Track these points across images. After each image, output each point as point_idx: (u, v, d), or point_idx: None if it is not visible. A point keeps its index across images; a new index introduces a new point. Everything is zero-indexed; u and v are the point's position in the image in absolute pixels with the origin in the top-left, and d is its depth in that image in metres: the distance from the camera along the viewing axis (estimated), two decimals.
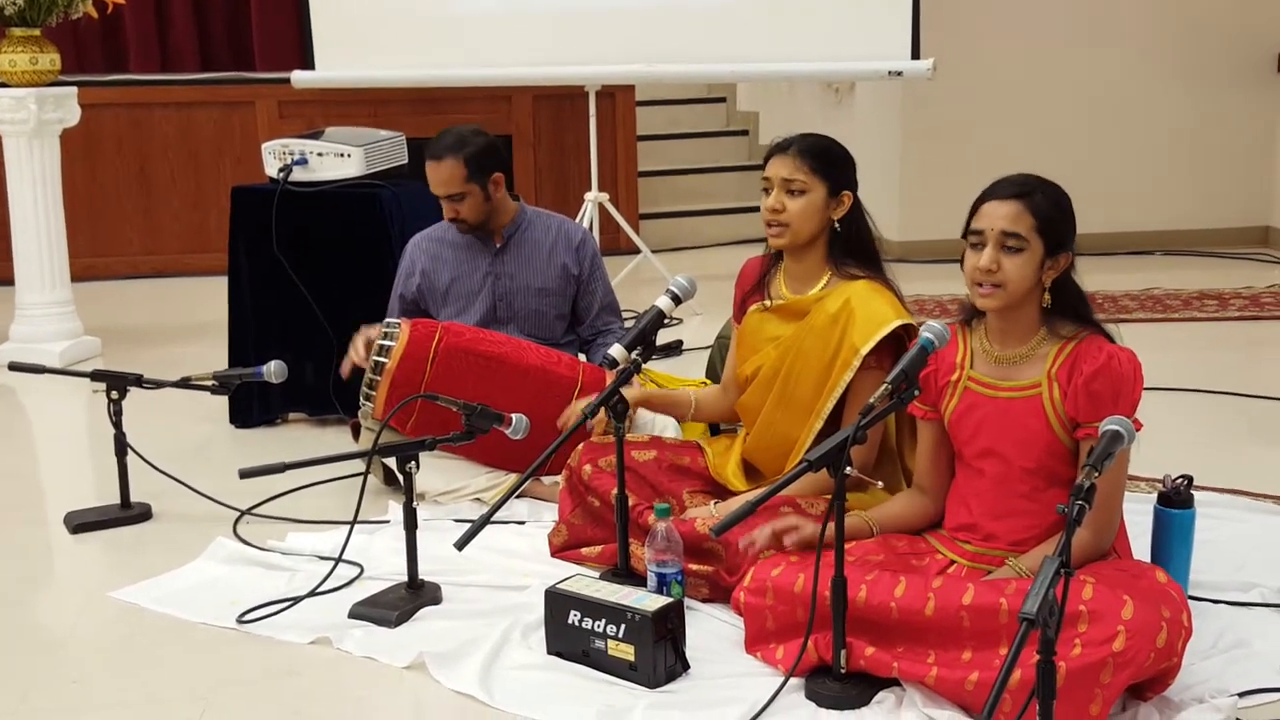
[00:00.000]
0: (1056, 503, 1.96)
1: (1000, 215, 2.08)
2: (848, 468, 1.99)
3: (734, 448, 2.71)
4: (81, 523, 2.98)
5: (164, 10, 6.91)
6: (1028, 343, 2.16)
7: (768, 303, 2.63)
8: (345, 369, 3.06)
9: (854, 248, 2.56)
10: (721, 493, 2.64)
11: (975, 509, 2.20)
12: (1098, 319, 2.14)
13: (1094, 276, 2.21)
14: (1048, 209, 2.09)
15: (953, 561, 2.22)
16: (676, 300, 2.64)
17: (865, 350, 2.42)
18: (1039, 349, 2.15)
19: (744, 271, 2.73)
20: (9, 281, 4.76)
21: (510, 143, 6.31)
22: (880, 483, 2.24)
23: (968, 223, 2.13)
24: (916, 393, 2.10)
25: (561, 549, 2.71)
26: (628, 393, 2.58)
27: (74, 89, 4.66)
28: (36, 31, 4.46)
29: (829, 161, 2.52)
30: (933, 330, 2.12)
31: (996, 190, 2.12)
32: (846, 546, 2.06)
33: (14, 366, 3.11)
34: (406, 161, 3.99)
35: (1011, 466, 2.15)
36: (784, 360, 2.55)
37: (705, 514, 2.50)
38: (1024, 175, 2.14)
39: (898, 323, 2.44)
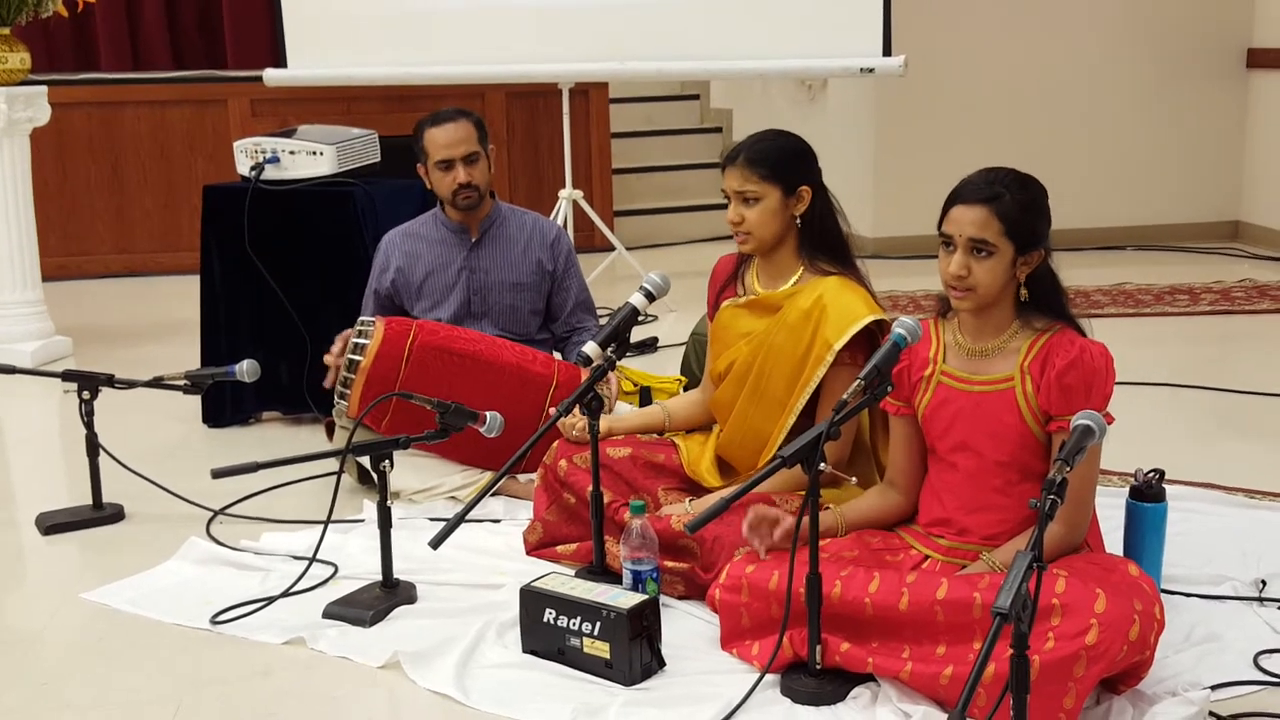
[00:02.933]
0: (1029, 497, 1.97)
1: (967, 221, 2.08)
2: (822, 464, 1.99)
3: (708, 444, 2.71)
4: (53, 524, 2.95)
5: (135, 8, 6.86)
6: (1000, 336, 2.17)
7: (740, 298, 2.63)
8: (329, 380, 3.05)
9: (823, 240, 2.56)
10: (696, 490, 2.64)
11: (949, 504, 2.21)
12: (1071, 312, 2.15)
13: (1066, 272, 2.22)
14: (1015, 211, 2.08)
15: (927, 557, 2.23)
16: (650, 297, 2.64)
17: (838, 346, 2.43)
18: (1011, 342, 2.16)
19: (717, 268, 2.73)
20: None
21: None
22: (854, 479, 2.25)
23: (940, 222, 2.14)
24: (890, 388, 2.10)
25: (537, 547, 2.71)
26: (603, 420, 2.57)
27: (44, 88, 4.61)
28: (6, 30, 4.41)
29: (778, 163, 2.51)
30: (905, 326, 2.12)
31: (964, 193, 2.11)
32: (821, 543, 2.07)
33: None
34: (379, 160, 3.97)
35: (985, 460, 2.16)
36: (757, 355, 2.55)
37: (680, 511, 2.50)
38: (994, 173, 2.12)
39: (870, 318, 2.44)
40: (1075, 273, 2.25)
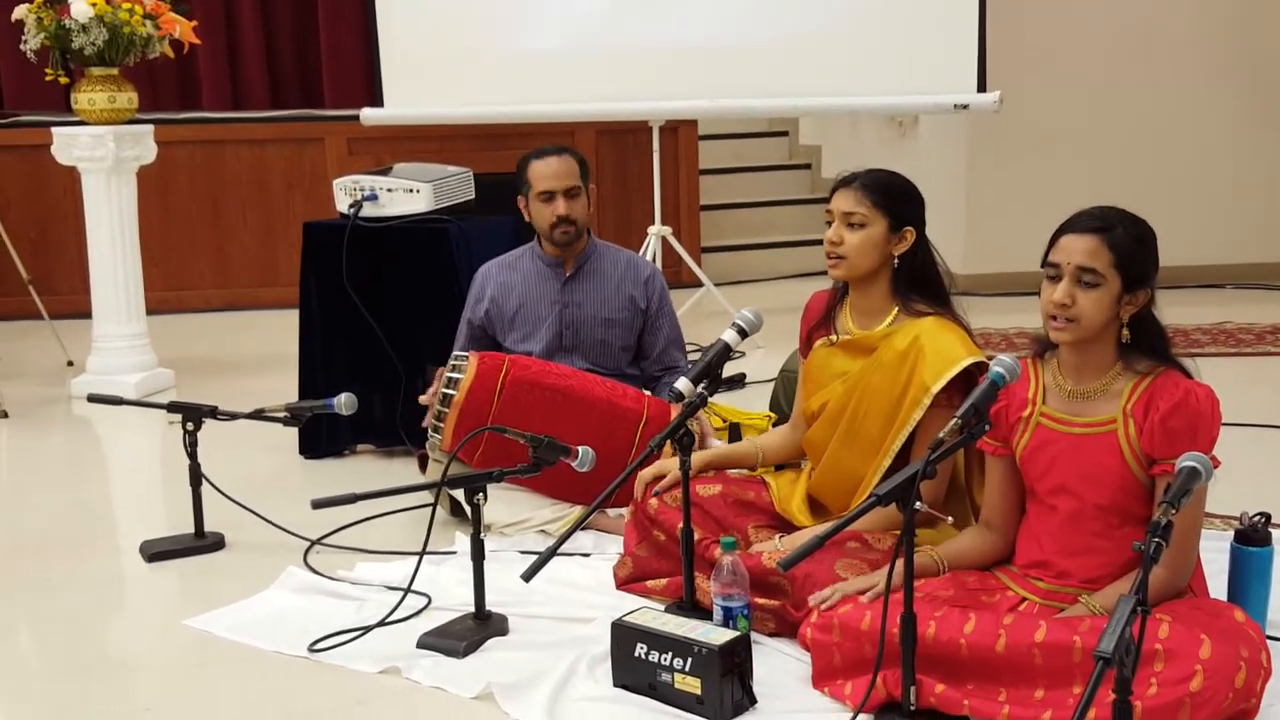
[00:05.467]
0: (1130, 540, 1.93)
1: (1077, 249, 2.06)
2: (917, 503, 1.97)
3: (799, 483, 2.70)
4: (157, 551, 3.04)
5: (235, 49, 7.09)
6: (1102, 378, 2.13)
7: (834, 338, 2.63)
8: (427, 419, 3.09)
9: (920, 283, 2.55)
10: (786, 527, 2.63)
11: (1048, 546, 2.17)
12: (1175, 355, 2.11)
13: (1164, 310, 2.18)
14: (1127, 244, 2.06)
15: (1024, 599, 2.19)
16: (742, 334, 2.64)
17: (936, 388, 2.41)
18: (1114, 384, 2.13)
19: (810, 306, 2.73)
20: (86, 314, 4.87)
21: None
22: (950, 518, 2.22)
23: (1046, 254, 2.12)
24: (987, 428, 2.08)
25: (627, 581, 2.71)
26: (696, 457, 2.59)
27: (150, 127, 4.78)
28: (114, 71, 4.58)
29: (892, 196, 2.52)
30: (1003, 365, 2.10)
31: (1076, 223, 2.10)
32: (915, 583, 2.04)
33: (93, 398, 3.19)
34: (474, 197, 4.05)
35: (1085, 503, 2.12)
36: (851, 396, 2.54)
37: (771, 548, 2.49)
38: (1106, 208, 2.11)
39: (969, 360, 2.42)
40: (1174, 310, 2.20)
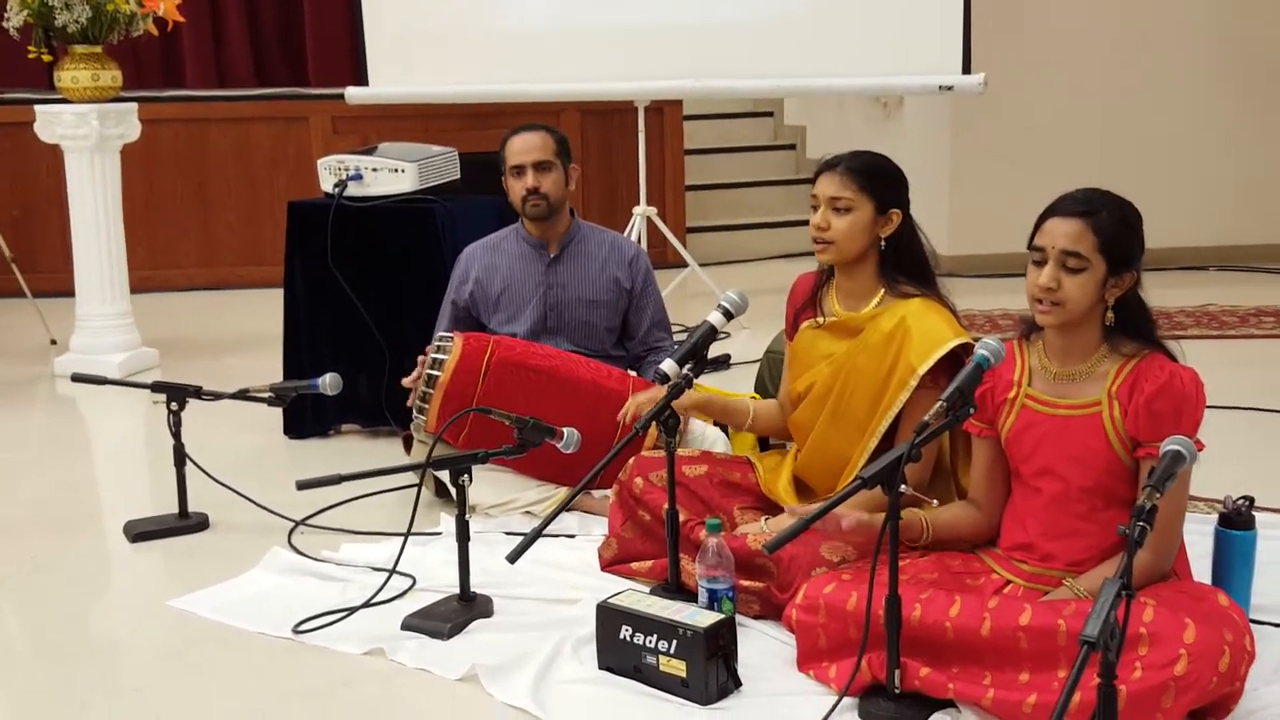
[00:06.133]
0: (1115, 523, 1.94)
1: (1062, 233, 2.06)
2: (902, 485, 1.98)
3: (785, 464, 2.71)
4: (141, 532, 3.02)
5: (220, 27, 7.03)
6: (1088, 360, 2.14)
7: (820, 319, 2.62)
8: (411, 400, 3.08)
9: (906, 265, 2.55)
10: (772, 509, 2.63)
11: (1032, 528, 2.18)
12: (1161, 338, 2.12)
13: (1148, 292, 2.18)
14: (1112, 228, 2.06)
15: (1009, 581, 2.20)
16: (728, 315, 2.64)
17: (922, 370, 2.41)
18: (1099, 366, 2.13)
19: (796, 287, 2.73)
20: (70, 293, 4.84)
21: None
22: (935, 501, 2.23)
23: (1031, 237, 2.12)
24: (972, 410, 2.08)
25: (612, 563, 2.71)
26: (689, 393, 2.58)
27: (134, 105, 4.73)
28: (98, 49, 4.53)
29: (877, 179, 2.52)
30: (988, 347, 2.10)
31: (1061, 206, 2.10)
32: (900, 563, 2.05)
33: (77, 378, 3.17)
34: (459, 177, 4.02)
35: (1070, 485, 2.13)
36: (837, 378, 2.54)
37: (756, 530, 2.50)
38: (1091, 191, 2.11)
39: (956, 342, 2.42)
40: (1157, 293, 2.20)
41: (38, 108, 4.63)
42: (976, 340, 2.18)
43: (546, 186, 3.27)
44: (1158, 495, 1.71)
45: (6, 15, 4.41)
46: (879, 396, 2.48)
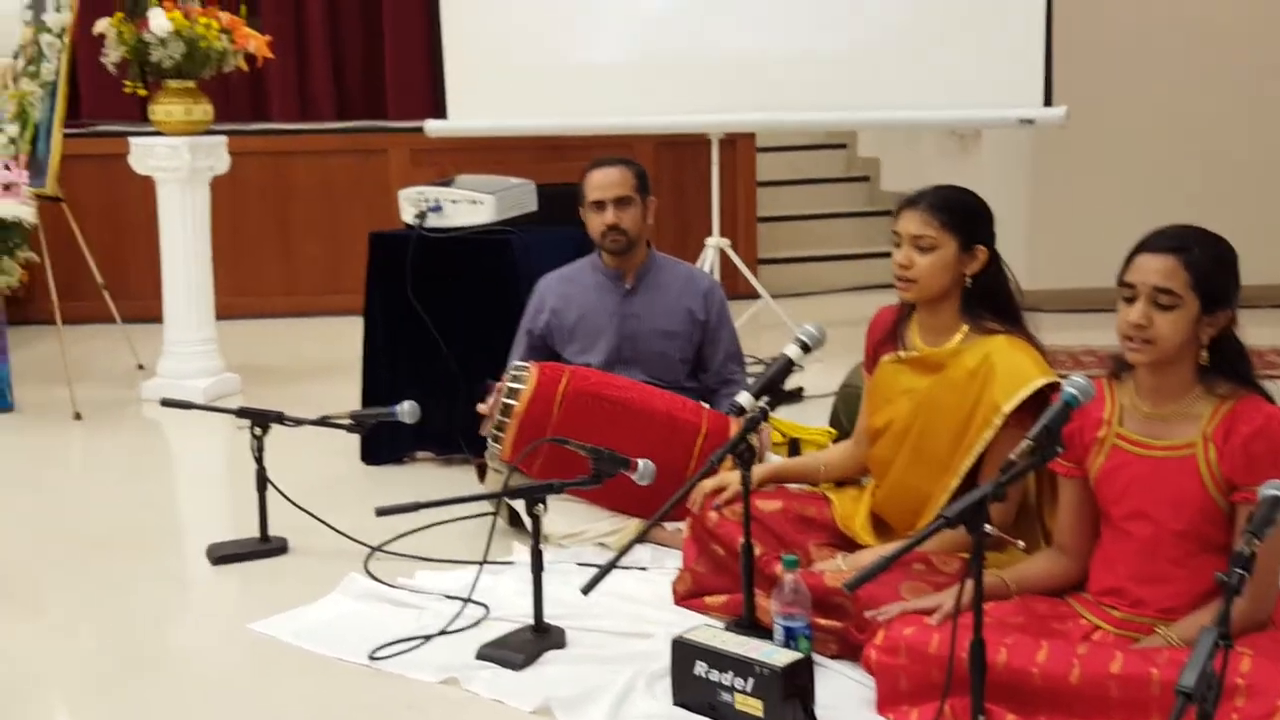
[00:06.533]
0: (1208, 568, 1.89)
1: (1153, 269, 2.02)
2: (986, 525, 1.94)
3: (862, 500, 2.67)
4: (223, 554, 3.07)
5: (305, 62, 7.19)
6: (1181, 400, 2.08)
7: (901, 354, 2.59)
8: (485, 427, 3.10)
9: (990, 301, 2.51)
10: (848, 545, 2.60)
11: (1122, 572, 2.12)
12: (1258, 380, 2.06)
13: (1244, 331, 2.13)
14: (1205, 264, 2.01)
15: (1097, 627, 2.14)
16: (806, 349, 2.61)
17: (1008, 409, 2.37)
18: (1193, 407, 2.07)
19: (876, 321, 2.70)
20: (156, 319, 4.95)
21: None
22: (1022, 543, 2.18)
23: (1121, 273, 2.07)
24: (1059, 450, 2.04)
25: (685, 597, 2.69)
26: (758, 470, 2.57)
27: (224, 138, 4.84)
28: (191, 84, 4.65)
29: (961, 216, 2.48)
30: (1077, 385, 2.05)
31: (1152, 242, 2.05)
32: (984, 608, 2.01)
33: (166, 402, 3.25)
34: (536, 208, 4.06)
35: (1162, 529, 2.07)
36: (918, 414, 2.51)
37: (833, 567, 2.46)
38: (1184, 227, 2.07)
39: (1042, 381, 2.37)
40: (1250, 331, 2.15)
41: (132, 140, 4.76)
42: (1063, 379, 2.14)
43: (626, 222, 3.29)
44: (1257, 541, 1.66)
45: (104, 51, 4.55)
46: (961, 434, 2.44)
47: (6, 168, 4.42)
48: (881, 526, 2.61)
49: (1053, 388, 2.37)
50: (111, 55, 4.54)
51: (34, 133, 4.64)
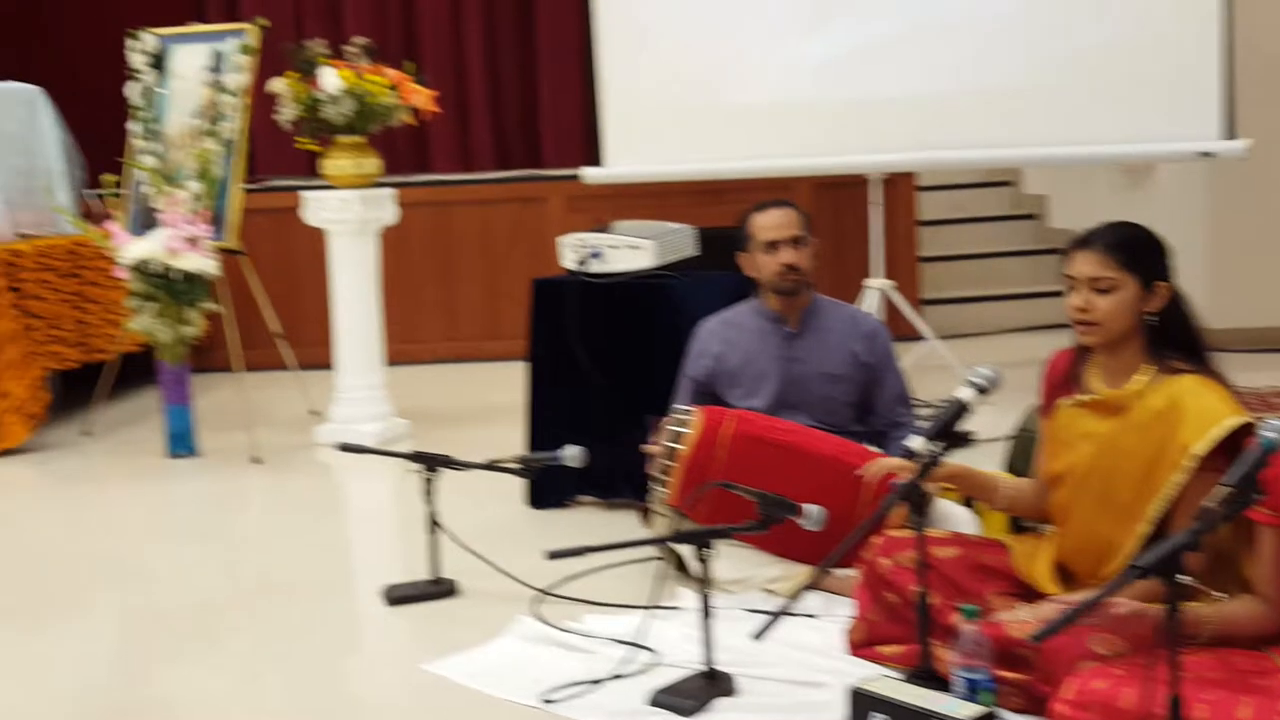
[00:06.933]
0: None
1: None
2: (1181, 575, 1.83)
3: (1043, 548, 2.57)
4: (399, 595, 3.14)
5: (466, 114, 7.43)
6: None
7: (1081, 397, 2.49)
8: (654, 468, 3.10)
9: (1175, 339, 2.40)
10: (1030, 595, 2.50)
11: None
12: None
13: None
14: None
15: None
16: (981, 391, 2.55)
17: (1200, 451, 2.25)
18: None
19: (1052, 364, 2.61)
20: (325, 365, 5.14)
21: None
22: (1222, 595, 2.06)
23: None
24: (1258, 496, 1.92)
25: (860, 646, 2.63)
26: (940, 469, 2.49)
27: (392, 190, 5.03)
28: (361, 139, 4.85)
29: (1140, 253, 2.38)
30: (1274, 428, 1.94)
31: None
32: (1180, 661, 1.90)
33: (345, 448, 3.38)
34: (696, 253, 4.07)
35: None
36: (1100, 459, 2.40)
37: (1016, 618, 2.37)
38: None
39: (1235, 421, 2.26)
40: None
41: (304, 194, 4.98)
42: (1259, 420, 2.02)
43: (802, 262, 3.27)
44: None
45: (278, 109, 4.78)
46: (1147, 479, 2.32)
47: (191, 223, 4.67)
48: (1067, 576, 2.51)
49: (1246, 429, 2.25)
50: (286, 113, 4.76)
51: (215, 189, 4.88)
